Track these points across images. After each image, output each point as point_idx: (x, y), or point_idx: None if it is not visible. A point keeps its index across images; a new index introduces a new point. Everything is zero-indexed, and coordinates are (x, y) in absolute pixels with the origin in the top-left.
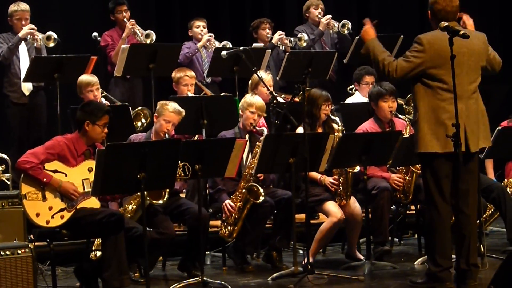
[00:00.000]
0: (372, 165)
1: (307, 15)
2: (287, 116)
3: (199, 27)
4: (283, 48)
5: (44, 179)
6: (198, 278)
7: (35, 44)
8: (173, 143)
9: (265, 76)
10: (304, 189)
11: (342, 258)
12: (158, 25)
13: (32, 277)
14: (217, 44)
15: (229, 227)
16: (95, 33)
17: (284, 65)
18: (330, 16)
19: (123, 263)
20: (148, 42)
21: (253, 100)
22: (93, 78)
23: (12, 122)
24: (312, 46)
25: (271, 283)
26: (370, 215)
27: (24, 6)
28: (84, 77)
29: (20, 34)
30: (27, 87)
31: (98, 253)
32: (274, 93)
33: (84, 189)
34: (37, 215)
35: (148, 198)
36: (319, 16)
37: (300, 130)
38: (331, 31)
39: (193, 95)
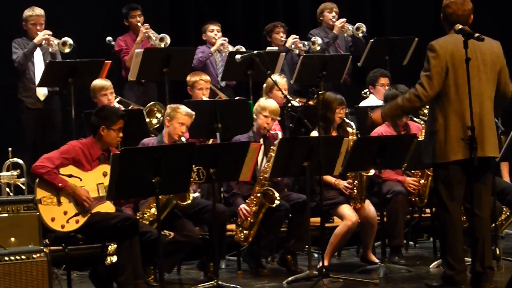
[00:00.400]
0: (387, 168)
1: (321, 18)
2: (302, 119)
3: (213, 31)
4: (297, 52)
5: (60, 184)
6: (213, 282)
7: (50, 49)
8: (187, 147)
9: (280, 79)
10: (319, 193)
11: (357, 262)
12: (172, 29)
13: (47, 282)
14: (231, 48)
15: (244, 231)
16: (109, 38)
17: (298, 69)
18: (345, 19)
19: (138, 267)
20: (162, 45)
21: (267, 103)
22: (107, 83)
23: (27, 127)
24: (327, 49)
25: (286, 287)
26: (385, 219)
27: (39, 11)
28: (98, 81)
29: (35, 40)
30: (42, 92)
31: (114, 259)
32: (288, 96)
33: (99, 193)
34: (52, 219)
35: (174, 201)
36: (333, 19)
37: (314, 133)
38: (345, 34)
39: (208, 99)
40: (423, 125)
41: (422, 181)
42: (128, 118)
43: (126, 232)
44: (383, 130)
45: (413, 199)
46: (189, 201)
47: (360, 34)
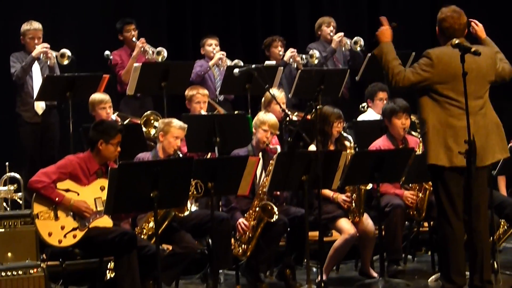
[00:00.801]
0: (385, 182)
1: (319, 33)
2: (300, 133)
3: (211, 45)
4: (295, 66)
5: (56, 198)
6: None
7: (48, 63)
8: (185, 161)
9: (278, 93)
10: (317, 207)
11: (356, 276)
12: (170, 43)
13: None
14: (229, 63)
15: (243, 246)
16: (107, 52)
17: (297, 83)
18: (343, 33)
19: (136, 282)
20: (159, 59)
21: (266, 117)
22: (106, 96)
23: (25, 141)
24: (325, 63)
25: None
26: (383, 232)
27: (37, 25)
28: (97, 95)
29: (33, 54)
30: (40, 106)
31: (113, 275)
32: (286, 110)
33: (96, 208)
34: (50, 234)
35: (173, 212)
36: (331, 34)
37: (312, 147)
38: (343, 48)
39: (206, 113)
40: (420, 139)
41: (420, 194)
42: (126, 132)
43: (124, 246)
44: (381, 144)
45: (411, 212)
46: (187, 212)
47: (358, 48)
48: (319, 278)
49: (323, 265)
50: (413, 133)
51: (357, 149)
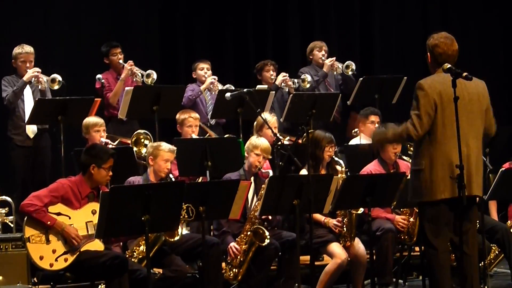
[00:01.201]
0: (376, 206)
1: (310, 57)
2: (291, 157)
3: (203, 69)
4: (287, 90)
5: (48, 222)
6: None
7: (39, 87)
8: (177, 185)
9: (270, 118)
10: (309, 231)
11: None
12: (162, 67)
13: None
14: (221, 87)
15: (234, 270)
16: (99, 75)
17: (288, 107)
18: (334, 58)
19: None
20: (149, 81)
21: (258, 142)
22: (100, 120)
23: (17, 165)
24: (317, 87)
25: None
26: (374, 257)
27: (29, 49)
28: (92, 118)
29: (24, 78)
30: (31, 130)
31: None
32: (278, 135)
33: (88, 231)
34: (41, 258)
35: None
36: (323, 58)
37: (304, 171)
38: (335, 72)
39: (197, 137)
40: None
41: (411, 219)
42: (117, 155)
43: (115, 270)
44: (372, 168)
45: (402, 237)
46: (177, 237)
47: (350, 73)
48: None
49: None
50: (404, 157)
51: (348, 173)
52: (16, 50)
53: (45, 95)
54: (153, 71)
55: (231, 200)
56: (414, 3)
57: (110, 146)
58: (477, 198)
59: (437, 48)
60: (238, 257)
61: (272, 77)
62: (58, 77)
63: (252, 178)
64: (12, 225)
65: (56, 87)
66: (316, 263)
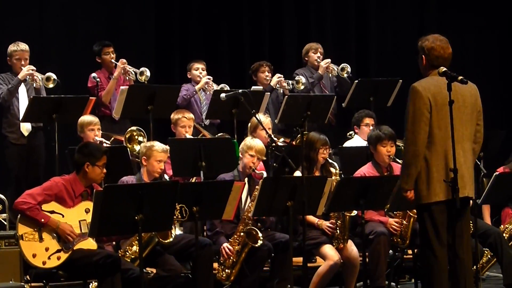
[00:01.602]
0: (369, 209)
1: (306, 59)
2: (286, 159)
3: (198, 69)
4: (282, 91)
5: (42, 220)
6: None
7: (34, 85)
8: (171, 185)
9: (264, 119)
10: (302, 233)
11: None
12: (157, 67)
13: None
14: (216, 87)
15: (226, 270)
16: (93, 74)
17: (283, 108)
18: (330, 60)
19: None
20: (143, 79)
21: (253, 143)
22: (95, 118)
23: (10, 162)
24: (312, 89)
25: None
26: (367, 259)
27: (24, 46)
28: (87, 117)
29: (19, 76)
30: (26, 128)
31: None
32: (272, 136)
33: (81, 230)
34: (34, 255)
35: (156, 239)
36: (318, 60)
37: (298, 173)
38: (330, 74)
39: (192, 137)
40: None
41: (405, 222)
42: (111, 154)
43: (107, 269)
44: (366, 171)
45: (395, 240)
46: (171, 239)
47: (345, 75)
48: None
49: None
50: (398, 160)
51: (342, 175)
52: (11, 47)
53: (40, 93)
54: (146, 68)
55: (224, 200)
56: (410, 6)
57: (105, 144)
58: (471, 202)
59: (433, 51)
60: (231, 257)
61: (268, 78)
62: (53, 76)
63: (246, 179)
64: (5, 223)
65: (51, 85)
66: (309, 264)
